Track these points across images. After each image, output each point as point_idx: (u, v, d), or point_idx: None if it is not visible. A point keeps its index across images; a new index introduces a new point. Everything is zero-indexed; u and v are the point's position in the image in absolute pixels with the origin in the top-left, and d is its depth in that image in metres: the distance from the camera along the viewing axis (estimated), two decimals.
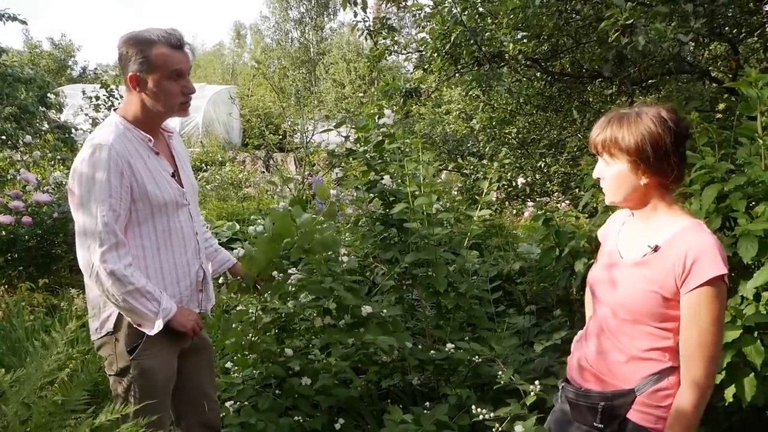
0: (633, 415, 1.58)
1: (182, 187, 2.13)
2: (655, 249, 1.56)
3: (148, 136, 2.05)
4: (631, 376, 1.59)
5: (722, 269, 1.46)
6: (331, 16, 31.90)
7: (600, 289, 1.69)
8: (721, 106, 4.10)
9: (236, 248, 2.65)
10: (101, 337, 2.05)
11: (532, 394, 2.27)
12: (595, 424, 1.63)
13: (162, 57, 1.99)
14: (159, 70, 1.99)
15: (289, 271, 2.58)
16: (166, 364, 2.08)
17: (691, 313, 1.49)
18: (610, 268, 1.67)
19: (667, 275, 1.51)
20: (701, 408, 1.51)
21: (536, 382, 2.30)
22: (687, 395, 1.51)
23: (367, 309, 2.67)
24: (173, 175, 2.11)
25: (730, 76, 4.14)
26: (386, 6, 4.37)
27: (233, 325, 2.61)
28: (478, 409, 2.27)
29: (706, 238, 1.50)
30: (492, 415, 2.24)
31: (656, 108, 1.56)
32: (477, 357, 2.84)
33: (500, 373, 2.47)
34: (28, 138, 6.74)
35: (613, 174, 1.59)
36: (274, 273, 2.51)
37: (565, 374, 1.81)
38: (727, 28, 3.80)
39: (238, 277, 2.46)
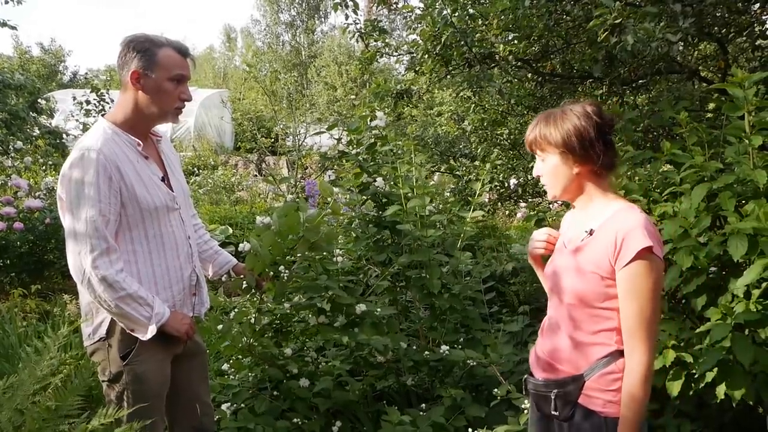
0: (582, 400, 1.64)
1: (172, 191, 2.13)
2: (590, 233, 1.66)
3: (137, 140, 2.04)
4: (579, 362, 1.66)
5: (648, 242, 1.53)
6: (322, 19, 31.91)
7: (549, 281, 1.79)
8: (712, 105, 4.12)
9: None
10: (94, 343, 2.05)
11: (526, 412, 2.28)
12: (552, 412, 1.69)
13: (168, 58, 2.01)
14: (163, 69, 2.00)
15: (284, 270, 2.57)
16: (160, 370, 2.07)
17: (627, 288, 1.57)
18: (555, 259, 1.78)
19: (602, 255, 1.60)
20: (649, 382, 1.57)
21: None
22: (634, 372, 1.57)
23: (361, 307, 2.68)
24: (163, 180, 2.11)
25: (720, 75, 4.17)
26: (377, 8, 4.39)
27: (232, 328, 2.61)
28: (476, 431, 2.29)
29: (635, 216, 1.60)
30: None
31: (581, 104, 1.69)
32: (472, 361, 2.84)
33: (496, 390, 2.50)
34: (19, 144, 6.72)
35: (548, 169, 1.70)
36: (281, 268, 2.52)
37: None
38: (716, 28, 3.83)
39: (241, 276, 2.46)
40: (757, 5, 3.80)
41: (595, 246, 1.63)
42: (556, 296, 1.75)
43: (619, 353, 1.61)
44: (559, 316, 1.73)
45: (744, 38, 4.19)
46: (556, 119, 1.67)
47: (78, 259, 1.91)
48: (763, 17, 3.96)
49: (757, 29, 3.87)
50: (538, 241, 1.86)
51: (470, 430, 2.36)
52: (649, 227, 1.58)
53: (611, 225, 1.61)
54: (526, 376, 1.84)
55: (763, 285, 2.09)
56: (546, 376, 1.74)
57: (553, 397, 1.68)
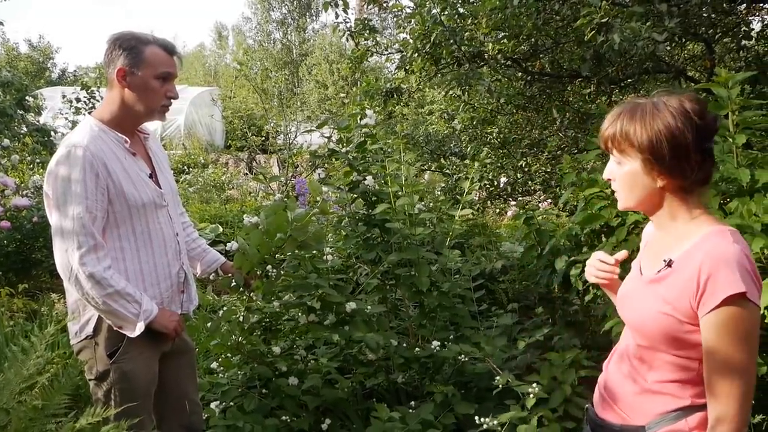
0: None
1: (160, 188, 2.13)
2: (669, 263, 1.34)
3: (123, 137, 2.04)
4: (644, 411, 1.39)
5: (741, 286, 1.21)
6: (314, 18, 31.82)
7: (621, 308, 1.51)
8: None
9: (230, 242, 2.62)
10: (80, 341, 2.04)
11: (531, 396, 2.28)
12: None
13: (154, 56, 2.01)
14: (149, 67, 2.00)
15: (272, 269, 2.57)
16: (147, 367, 2.07)
17: (711, 339, 1.26)
18: (627, 285, 1.50)
19: (681, 295, 1.29)
20: None
21: (534, 384, 2.31)
22: None
23: (351, 305, 2.68)
24: (150, 177, 2.11)
25: (706, 75, 4.21)
26: (368, 7, 4.39)
27: (221, 326, 2.60)
28: (482, 419, 2.27)
29: (727, 247, 1.26)
30: (495, 422, 2.26)
31: (677, 98, 1.33)
32: (463, 356, 2.85)
33: (497, 378, 2.51)
34: (6, 142, 6.65)
35: (624, 174, 1.37)
36: (268, 267, 2.52)
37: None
38: (703, 29, 3.87)
39: (229, 275, 2.46)
40: (743, 6, 3.84)
41: (674, 282, 1.32)
42: (628, 331, 1.48)
43: (693, 409, 1.33)
44: (629, 354, 1.45)
45: (730, 38, 4.24)
46: (645, 114, 1.31)
47: (65, 256, 1.91)
48: (749, 18, 4.00)
49: (743, 30, 3.92)
50: (592, 267, 1.56)
51: (478, 421, 2.33)
52: (744, 262, 1.24)
53: (695, 256, 1.28)
54: (588, 405, 1.61)
55: None
56: (605, 417, 1.49)
57: None
